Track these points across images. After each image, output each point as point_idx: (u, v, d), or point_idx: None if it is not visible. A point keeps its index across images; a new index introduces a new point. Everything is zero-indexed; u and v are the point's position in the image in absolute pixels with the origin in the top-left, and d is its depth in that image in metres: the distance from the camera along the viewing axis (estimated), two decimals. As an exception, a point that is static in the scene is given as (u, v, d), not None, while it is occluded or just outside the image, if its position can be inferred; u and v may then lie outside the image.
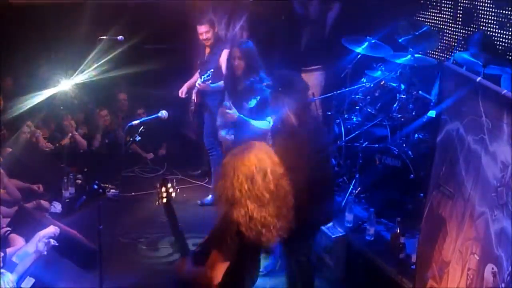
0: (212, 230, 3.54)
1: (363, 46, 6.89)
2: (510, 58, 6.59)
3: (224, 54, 6.91)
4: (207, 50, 7.05)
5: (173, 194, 3.64)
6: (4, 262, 4.65)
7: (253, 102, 5.75)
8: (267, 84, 5.15)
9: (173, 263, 6.08)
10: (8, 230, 5.27)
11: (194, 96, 7.01)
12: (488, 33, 6.86)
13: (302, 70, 8.18)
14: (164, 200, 3.61)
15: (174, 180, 3.80)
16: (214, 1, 8.19)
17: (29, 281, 4.85)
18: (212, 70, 6.71)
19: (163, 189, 3.63)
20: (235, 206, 3.35)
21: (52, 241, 4.90)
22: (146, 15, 8.57)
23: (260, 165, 3.39)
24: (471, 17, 7.18)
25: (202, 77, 6.66)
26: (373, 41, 6.89)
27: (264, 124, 5.51)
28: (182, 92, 7.15)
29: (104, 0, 8.62)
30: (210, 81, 6.65)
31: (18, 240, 5.12)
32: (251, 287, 3.61)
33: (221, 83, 6.84)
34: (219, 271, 3.31)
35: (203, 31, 6.91)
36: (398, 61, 6.63)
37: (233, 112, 5.71)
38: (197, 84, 6.83)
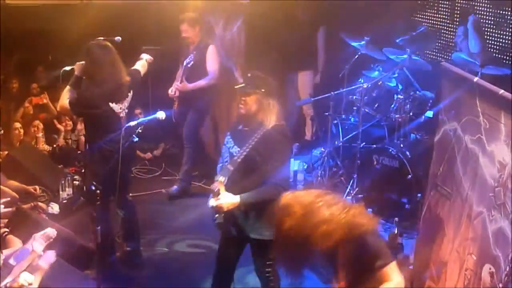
0: None
1: (362, 42, 6.91)
2: (508, 57, 6.59)
3: (211, 50, 6.97)
4: (191, 47, 7.14)
5: None
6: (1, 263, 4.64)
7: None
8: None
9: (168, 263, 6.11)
10: (6, 231, 5.26)
11: (176, 95, 7.16)
12: (486, 33, 6.87)
13: (296, 69, 8.25)
14: None
15: None
16: (211, 1, 8.19)
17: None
18: (194, 52, 6.88)
19: None
20: None
21: (50, 253, 4.89)
22: (144, 16, 8.56)
23: None
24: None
25: (185, 61, 6.84)
26: (368, 38, 6.91)
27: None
28: (172, 90, 7.21)
29: (101, 0, 8.62)
30: (191, 63, 6.82)
31: (15, 242, 5.11)
32: None
33: (202, 81, 6.92)
34: None
35: (183, 30, 7.10)
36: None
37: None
38: (175, 86, 7.05)
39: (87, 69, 5.45)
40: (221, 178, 4.48)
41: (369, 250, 3.08)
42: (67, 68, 5.74)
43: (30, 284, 4.47)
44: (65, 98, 5.49)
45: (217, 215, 4.55)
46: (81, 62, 5.49)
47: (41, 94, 8.48)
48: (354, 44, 6.99)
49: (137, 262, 6.05)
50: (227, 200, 4.39)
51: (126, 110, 5.63)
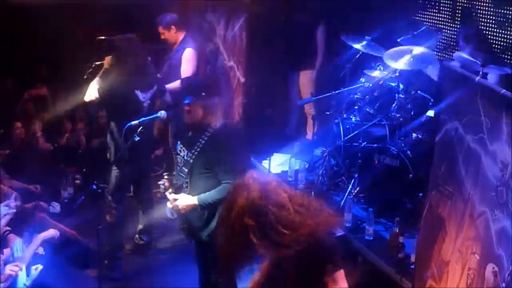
0: None
1: (362, 43, 6.90)
2: (509, 57, 6.59)
3: (187, 53, 6.98)
4: (175, 46, 7.25)
5: None
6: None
7: None
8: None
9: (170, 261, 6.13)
10: (7, 230, 5.26)
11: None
12: (487, 32, 6.87)
13: (298, 68, 8.24)
14: None
15: None
16: (212, 1, 8.20)
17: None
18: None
19: None
20: None
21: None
22: (145, 15, 8.57)
23: None
24: (470, 17, 7.18)
25: None
26: (370, 38, 6.90)
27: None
28: None
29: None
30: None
31: (17, 241, 5.11)
32: None
33: (177, 82, 6.94)
34: None
35: (160, 32, 7.21)
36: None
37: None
38: None
39: (114, 60, 5.79)
40: (165, 176, 4.56)
41: (323, 252, 2.97)
42: (97, 63, 6.09)
43: (15, 272, 4.48)
44: (93, 88, 5.84)
45: (180, 221, 4.63)
46: (109, 56, 5.86)
47: (41, 87, 8.52)
48: (354, 45, 6.98)
49: (149, 253, 6.35)
50: (184, 202, 4.47)
51: (149, 101, 5.90)
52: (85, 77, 6.18)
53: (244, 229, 2.87)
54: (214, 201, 4.44)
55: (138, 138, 5.08)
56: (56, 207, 6.82)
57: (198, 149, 4.48)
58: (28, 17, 8.45)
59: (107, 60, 5.90)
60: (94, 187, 4.87)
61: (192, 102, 4.46)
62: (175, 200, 4.49)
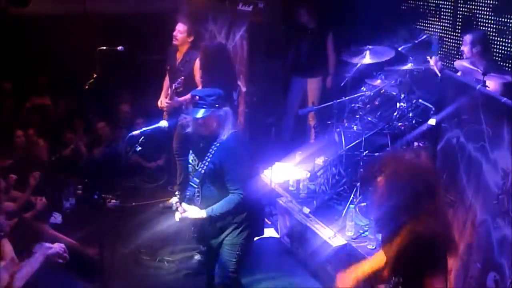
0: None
1: (365, 57, 6.90)
2: (510, 65, 6.59)
3: (198, 63, 6.93)
4: (178, 55, 7.06)
5: None
6: None
7: None
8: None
9: (173, 273, 6.11)
10: (1, 233, 5.13)
11: (165, 107, 7.02)
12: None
13: (302, 76, 8.26)
14: None
15: None
16: (214, 10, 8.21)
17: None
18: (182, 77, 6.78)
19: None
20: None
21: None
22: (146, 25, 8.59)
23: None
24: (470, 25, 7.18)
25: (173, 85, 6.78)
26: (370, 47, 6.92)
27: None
28: (161, 102, 7.13)
29: (103, 10, 8.66)
30: (181, 89, 6.76)
31: (7, 247, 4.98)
32: None
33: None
34: None
35: (178, 29, 6.97)
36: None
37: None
38: (164, 102, 6.96)
39: (203, 66, 6.26)
40: (176, 193, 4.61)
41: (433, 255, 3.18)
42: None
43: None
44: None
45: (192, 228, 4.67)
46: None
47: (44, 95, 8.54)
48: (355, 61, 6.98)
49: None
50: (193, 214, 4.55)
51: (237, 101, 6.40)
52: (86, 87, 6.16)
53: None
54: (223, 212, 4.54)
55: (140, 148, 5.07)
56: (57, 217, 6.81)
57: (209, 159, 4.54)
58: (29, 28, 8.47)
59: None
60: (96, 197, 4.85)
61: (207, 116, 4.48)
62: (185, 211, 4.55)
